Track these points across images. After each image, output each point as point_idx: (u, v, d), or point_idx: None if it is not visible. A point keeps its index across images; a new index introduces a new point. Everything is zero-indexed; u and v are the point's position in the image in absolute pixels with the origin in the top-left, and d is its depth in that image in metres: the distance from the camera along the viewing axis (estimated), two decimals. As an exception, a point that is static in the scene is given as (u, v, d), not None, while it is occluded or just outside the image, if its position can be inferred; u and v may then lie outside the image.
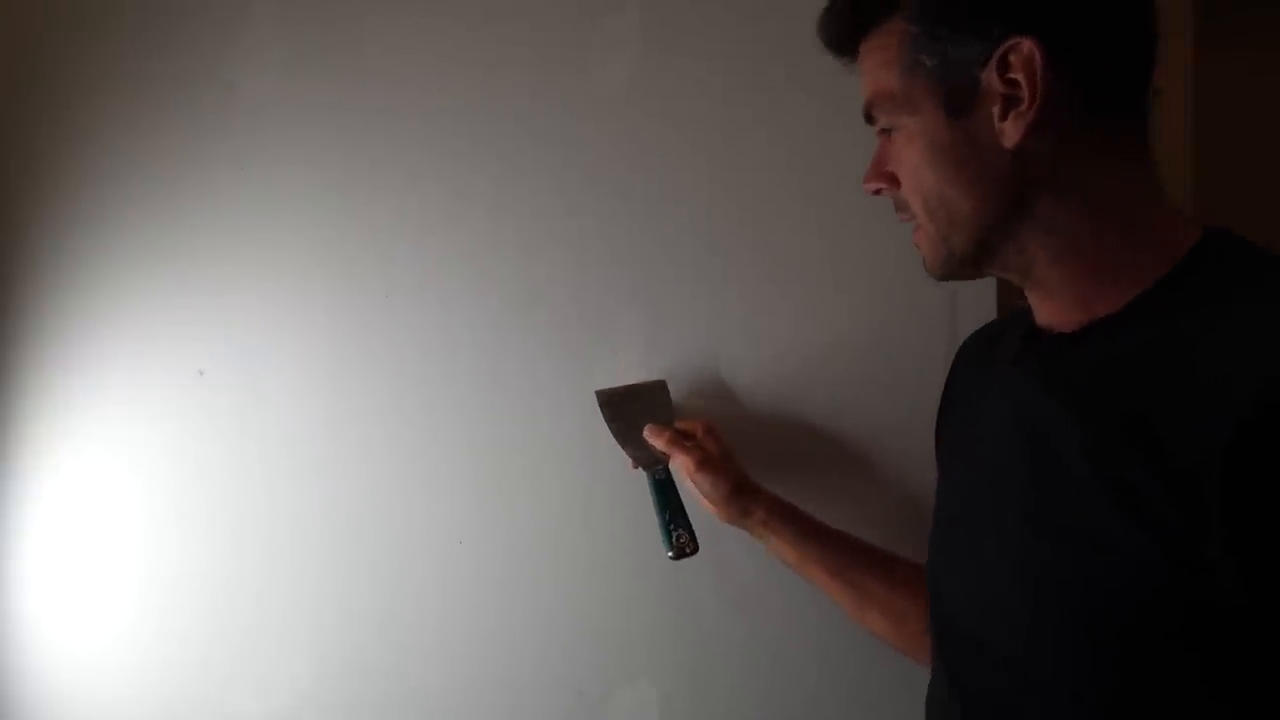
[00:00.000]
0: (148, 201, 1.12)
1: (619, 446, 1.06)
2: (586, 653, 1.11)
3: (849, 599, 1.00)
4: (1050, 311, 0.75)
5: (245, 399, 1.12)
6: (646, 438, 1.04)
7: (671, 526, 1.03)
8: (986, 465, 0.78)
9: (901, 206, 0.78)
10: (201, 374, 1.12)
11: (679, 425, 1.05)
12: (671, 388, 1.10)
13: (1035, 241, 0.72)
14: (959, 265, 0.75)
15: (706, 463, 1.01)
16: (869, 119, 0.77)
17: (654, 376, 1.10)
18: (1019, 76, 0.67)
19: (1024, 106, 0.68)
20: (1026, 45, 0.67)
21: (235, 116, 1.12)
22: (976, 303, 1.08)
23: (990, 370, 0.83)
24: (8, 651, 1.13)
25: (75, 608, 1.13)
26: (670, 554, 1.02)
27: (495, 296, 1.12)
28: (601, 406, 1.07)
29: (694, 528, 1.03)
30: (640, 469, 1.05)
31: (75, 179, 1.12)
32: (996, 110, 0.69)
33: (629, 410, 1.07)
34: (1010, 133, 0.68)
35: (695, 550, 1.02)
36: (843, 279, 1.10)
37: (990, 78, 0.68)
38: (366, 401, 1.12)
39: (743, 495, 1.01)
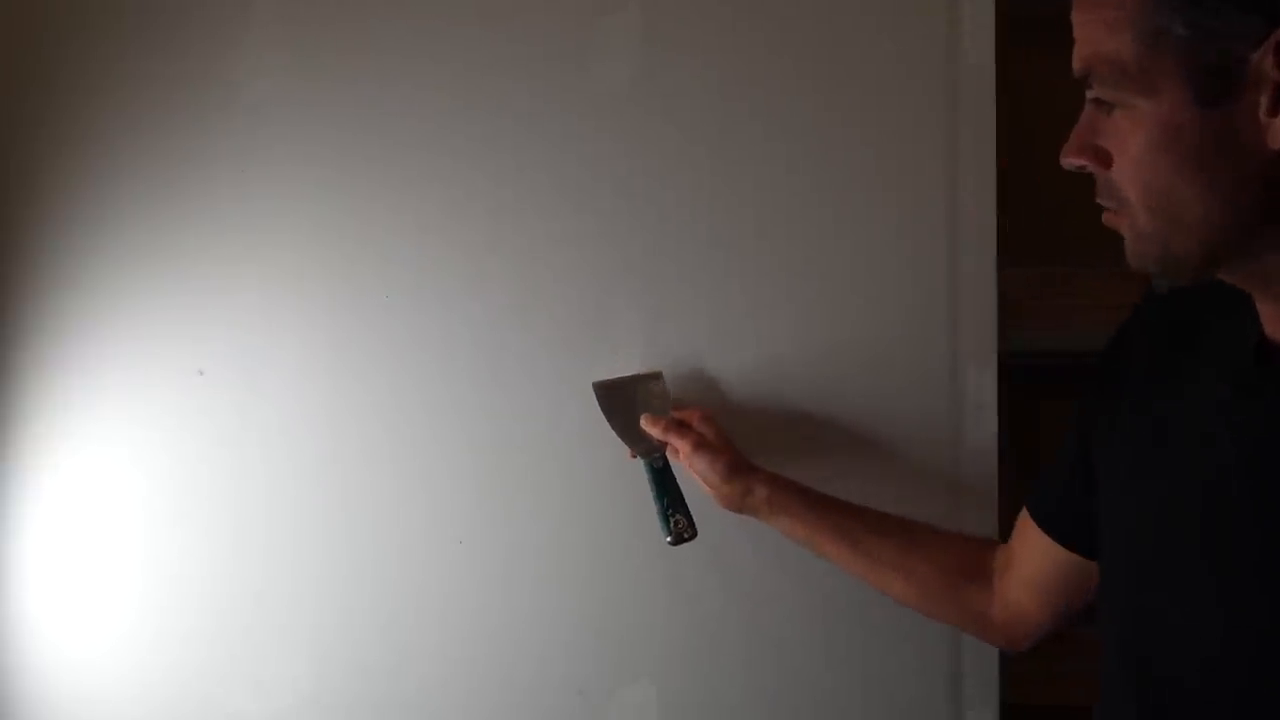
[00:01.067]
0: (148, 201, 1.12)
1: (617, 438, 1.06)
2: (588, 652, 1.11)
3: (867, 568, 0.98)
4: None
5: (245, 399, 1.12)
6: (643, 426, 1.05)
7: (670, 512, 1.03)
8: (1199, 505, 0.68)
9: (1108, 191, 0.65)
10: (202, 374, 1.12)
11: (675, 415, 1.06)
12: (672, 386, 1.10)
13: None
14: (1175, 268, 0.64)
15: (702, 445, 1.00)
16: (1083, 82, 0.65)
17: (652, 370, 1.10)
18: None
19: None
20: None
21: (235, 116, 1.12)
22: (976, 299, 1.08)
23: (1192, 370, 0.72)
24: (8, 651, 1.13)
25: (76, 608, 1.13)
26: (669, 539, 1.02)
27: (495, 296, 1.12)
28: (598, 398, 1.08)
29: (693, 517, 1.03)
30: (638, 458, 1.06)
31: (75, 179, 1.12)
32: (1265, 101, 0.57)
33: (626, 400, 1.07)
34: (1279, 131, 0.57)
35: (693, 535, 1.02)
36: (844, 277, 1.09)
37: (1264, 61, 0.56)
38: (367, 401, 1.12)
39: (742, 475, 1.00)
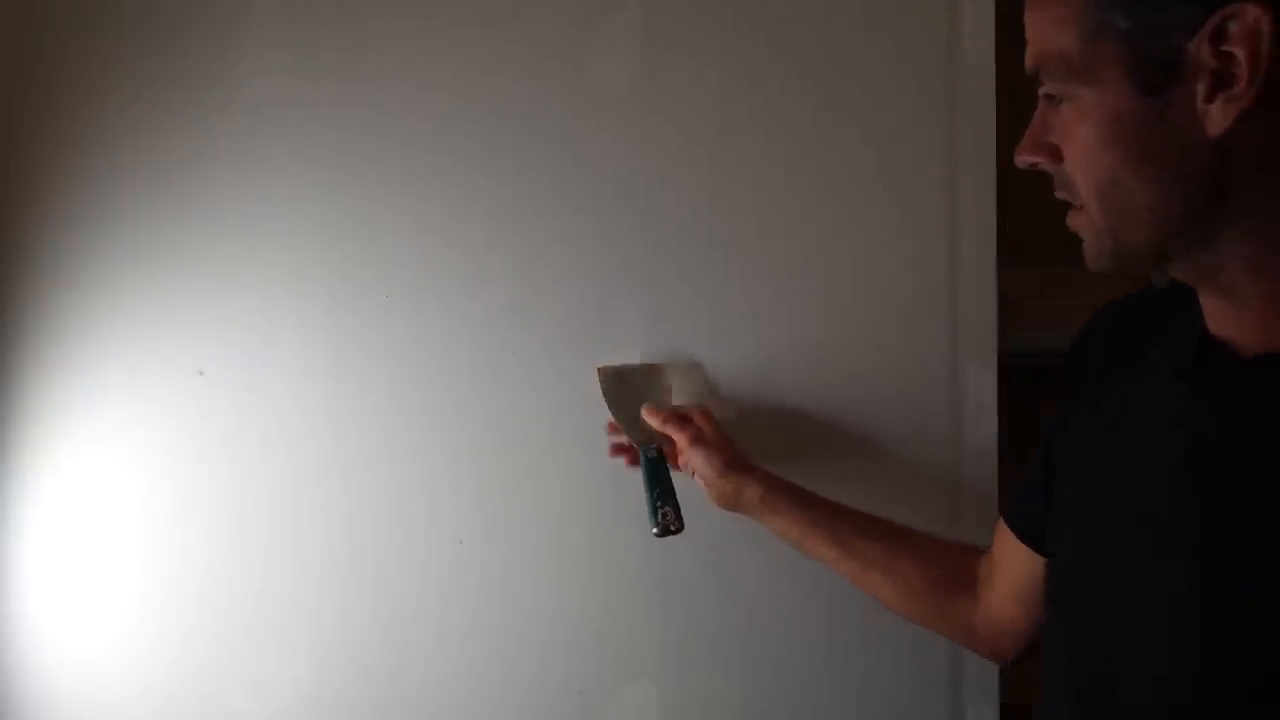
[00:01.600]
0: (148, 201, 1.12)
1: (616, 429, 1.07)
2: (587, 652, 1.11)
3: (855, 570, 0.98)
4: (1237, 324, 0.64)
5: (245, 399, 1.12)
6: (643, 417, 1.05)
7: (659, 504, 1.02)
8: (1141, 499, 0.68)
9: (1063, 185, 0.66)
10: (201, 374, 1.12)
11: (677, 409, 1.06)
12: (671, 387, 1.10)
13: (1232, 244, 0.61)
14: (1127, 261, 0.65)
15: (700, 439, 1.01)
16: (1034, 78, 0.66)
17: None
18: (1237, 51, 0.55)
19: (1239, 87, 0.56)
20: (1253, 13, 0.55)
21: (235, 116, 1.12)
22: (976, 299, 1.08)
23: (1142, 369, 0.73)
24: (8, 652, 1.13)
25: (75, 608, 1.13)
26: (655, 531, 1.02)
27: (495, 296, 1.12)
28: (602, 383, 1.08)
29: (682, 512, 1.03)
30: (634, 446, 1.06)
31: (76, 179, 1.12)
32: (1202, 89, 0.57)
33: (629, 388, 1.08)
34: (1217, 118, 0.57)
35: (680, 529, 1.02)
36: (843, 277, 1.09)
37: (1200, 49, 0.56)
38: (367, 401, 1.12)
39: (737, 472, 1.00)
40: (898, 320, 1.09)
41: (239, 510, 1.12)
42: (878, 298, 1.09)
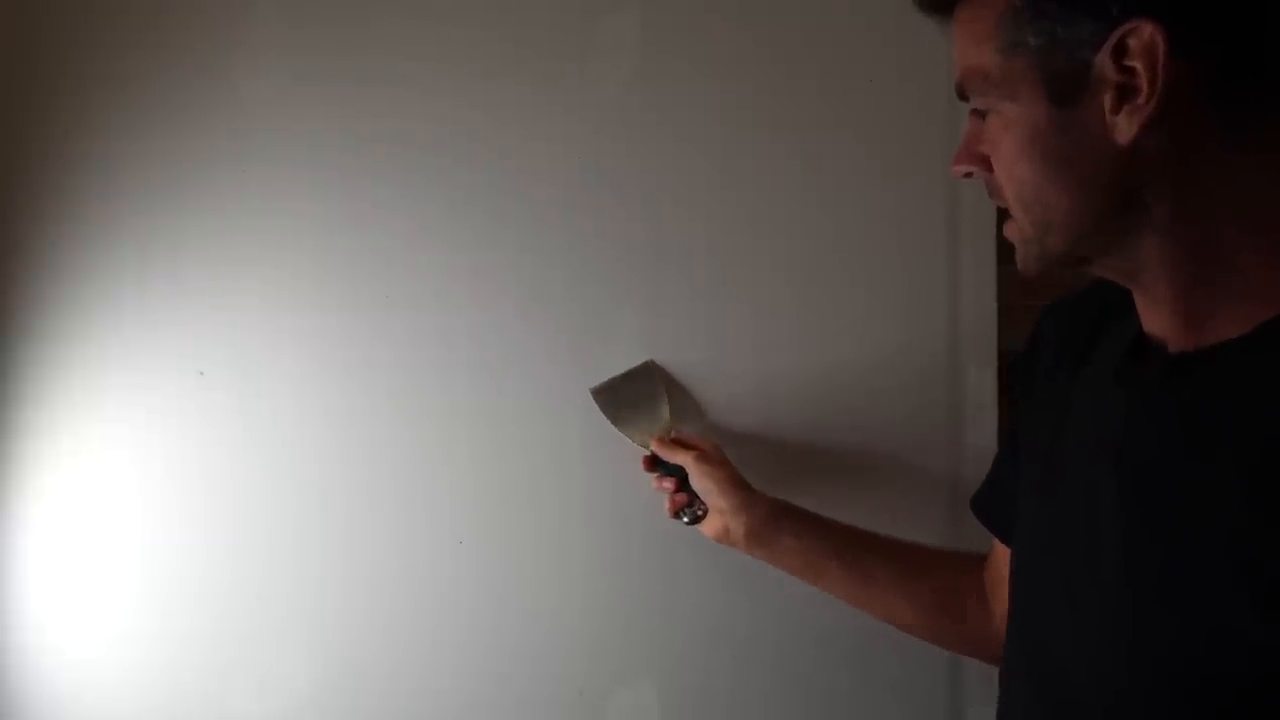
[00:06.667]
0: (149, 201, 1.12)
1: (616, 438, 1.08)
2: (587, 652, 1.11)
3: (864, 590, 0.98)
4: (1160, 323, 0.66)
5: (245, 400, 1.12)
6: (655, 450, 1.06)
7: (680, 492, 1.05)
8: (1082, 494, 0.70)
9: (995, 192, 0.69)
10: (201, 374, 1.12)
11: (684, 439, 1.07)
12: (671, 390, 1.10)
13: (1147, 248, 0.63)
14: (1052, 264, 0.67)
15: (702, 458, 1.02)
16: (960, 95, 0.69)
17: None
18: (1137, 64, 0.58)
19: (1141, 99, 0.59)
20: (1148, 30, 0.57)
21: (237, 116, 1.12)
22: (976, 306, 1.08)
23: (1085, 369, 0.75)
24: (7, 652, 1.13)
25: (75, 608, 1.13)
26: (686, 520, 1.04)
27: (495, 296, 1.12)
28: (599, 403, 1.09)
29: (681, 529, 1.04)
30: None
31: (76, 178, 1.12)
32: (1108, 101, 0.60)
33: (624, 398, 1.09)
34: (1124, 128, 0.60)
35: (706, 512, 1.03)
36: (843, 277, 1.10)
37: (1104, 63, 0.59)
38: (366, 402, 1.12)
39: (738, 488, 1.01)
40: (898, 321, 1.09)
41: (239, 510, 1.12)
42: (877, 298, 1.09)
